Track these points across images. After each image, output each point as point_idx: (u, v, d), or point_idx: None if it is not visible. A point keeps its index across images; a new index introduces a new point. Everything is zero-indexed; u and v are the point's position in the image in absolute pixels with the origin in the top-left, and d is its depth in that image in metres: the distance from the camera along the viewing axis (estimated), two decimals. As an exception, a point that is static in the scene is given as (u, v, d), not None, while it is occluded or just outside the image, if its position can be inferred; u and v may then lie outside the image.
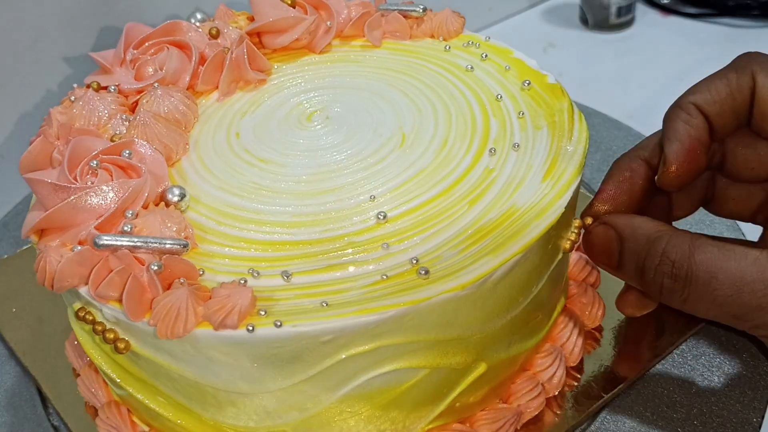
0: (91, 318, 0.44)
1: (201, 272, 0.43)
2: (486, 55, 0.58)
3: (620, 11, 0.99)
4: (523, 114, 0.52)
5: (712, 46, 0.98)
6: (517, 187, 0.47)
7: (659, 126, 0.49)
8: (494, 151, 0.49)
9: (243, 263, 0.44)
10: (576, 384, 0.53)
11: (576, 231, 0.49)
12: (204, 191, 0.49)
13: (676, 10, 1.04)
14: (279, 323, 0.40)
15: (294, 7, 0.60)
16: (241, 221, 0.47)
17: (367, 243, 0.44)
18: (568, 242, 0.48)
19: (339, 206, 0.47)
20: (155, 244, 0.43)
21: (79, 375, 0.54)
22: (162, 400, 0.46)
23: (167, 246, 0.43)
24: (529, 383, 0.50)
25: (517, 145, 0.50)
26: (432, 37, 0.61)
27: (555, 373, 0.51)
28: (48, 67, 0.66)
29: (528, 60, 0.57)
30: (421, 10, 0.60)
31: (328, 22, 0.60)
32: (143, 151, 0.49)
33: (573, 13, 1.04)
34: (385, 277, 0.42)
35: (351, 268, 0.43)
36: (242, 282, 0.41)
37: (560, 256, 0.48)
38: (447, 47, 0.59)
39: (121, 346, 0.43)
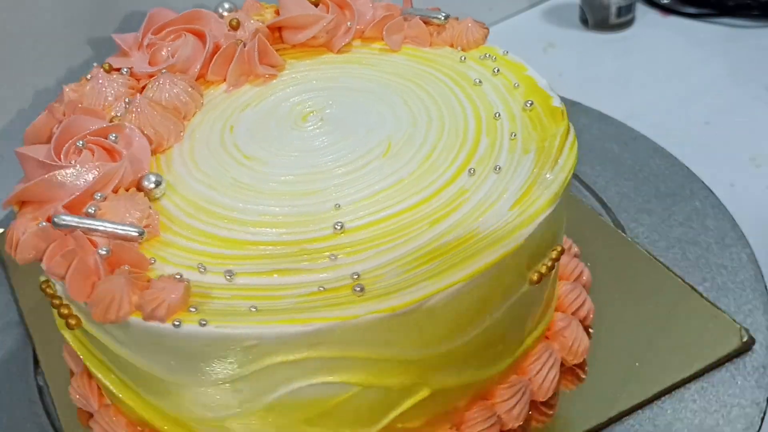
0: (51, 291, 0.46)
1: (152, 261, 0.44)
2: (498, 70, 0.56)
3: (620, 11, 0.98)
4: (515, 136, 0.50)
5: (712, 46, 0.97)
6: (485, 210, 0.45)
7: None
8: (473, 171, 0.48)
9: (195, 257, 0.44)
10: (546, 420, 0.51)
11: (549, 264, 0.47)
12: (184, 181, 0.50)
13: (676, 10, 1.03)
14: (204, 322, 0.40)
15: (317, 5, 0.60)
16: (209, 215, 0.47)
17: (316, 252, 0.44)
18: (536, 274, 0.46)
19: (303, 211, 0.47)
20: (110, 229, 0.44)
21: (68, 342, 0.57)
22: (114, 377, 0.48)
23: (120, 232, 0.44)
24: (484, 413, 0.48)
25: (499, 168, 0.48)
26: (451, 46, 0.59)
27: (515, 405, 0.49)
28: (48, 65, 0.69)
29: (539, 79, 0.55)
30: (442, 18, 0.59)
31: (349, 23, 0.59)
32: (131, 135, 0.50)
33: (573, 13, 1.03)
34: (321, 288, 0.42)
35: (293, 276, 0.43)
36: (178, 276, 0.42)
37: (525, 287, 0.46)
38: (462, 58, 0.58)
39: (73, 322, 0.45)
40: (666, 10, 1.04)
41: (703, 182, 0.67)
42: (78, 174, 0.47)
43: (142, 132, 0.51)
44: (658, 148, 0.71)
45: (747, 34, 0.98)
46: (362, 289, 0.41)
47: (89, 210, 0.45)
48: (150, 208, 0.46)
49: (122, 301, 0.41)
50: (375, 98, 0.55)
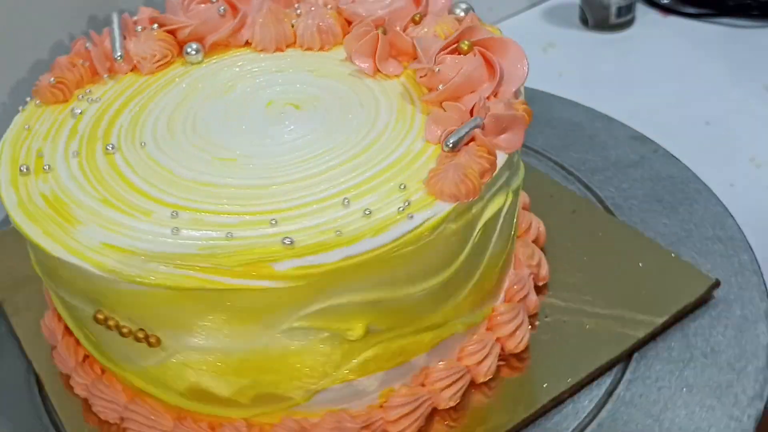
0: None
1: (105, 76, 0.60)
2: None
3: (620, 11, 1.02)
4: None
5: (712, 46, 0.99)
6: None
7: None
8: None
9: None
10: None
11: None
12: (192, 89, 0.59)
13: (676, 10, 1.06)
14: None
15: (462, 54, 0.54)
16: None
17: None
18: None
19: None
20: (115, 38, 0.60)
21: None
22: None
23: (117, 45, 0.60)
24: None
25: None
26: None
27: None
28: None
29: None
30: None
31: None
32: (240, 18, 0.62)
33: (573, 13, 1.07)
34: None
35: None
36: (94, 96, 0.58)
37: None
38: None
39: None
40: (666, 10, 1.06)
41: (703, 182, 0.68)
42: (174, 9, 0.63)
43: (253, 24, 0.62)
44: (658, 148, 0.71)
45: (747, 34, 1.00)
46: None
47: (137, 29, 0.62)
48: (156, 56, 0.60)
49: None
50: (349, 130, 0.53)
